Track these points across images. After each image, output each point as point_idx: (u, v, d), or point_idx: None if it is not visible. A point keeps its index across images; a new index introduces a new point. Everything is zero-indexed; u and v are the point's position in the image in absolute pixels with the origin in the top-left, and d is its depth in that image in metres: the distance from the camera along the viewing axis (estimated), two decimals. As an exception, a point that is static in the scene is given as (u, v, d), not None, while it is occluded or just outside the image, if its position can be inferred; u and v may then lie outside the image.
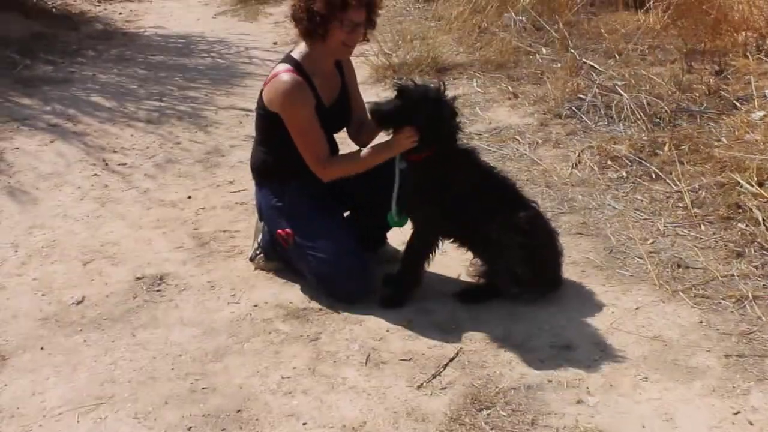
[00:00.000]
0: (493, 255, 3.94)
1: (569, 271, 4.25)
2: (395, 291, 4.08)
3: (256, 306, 4.03)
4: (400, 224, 4.09)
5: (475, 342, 3.70)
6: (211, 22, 11.35)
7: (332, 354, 3.64)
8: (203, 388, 3.41)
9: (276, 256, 4.29)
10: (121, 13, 11.83)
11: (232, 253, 4.57)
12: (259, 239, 4.36)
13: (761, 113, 6.24)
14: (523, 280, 3.91)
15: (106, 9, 12.03)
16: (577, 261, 4.38)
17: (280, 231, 4.12)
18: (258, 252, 4.36)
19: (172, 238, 4.79)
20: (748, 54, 7.48)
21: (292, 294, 4.13)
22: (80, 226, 4.97)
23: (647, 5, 8.90)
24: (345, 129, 4.28)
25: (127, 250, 4.64)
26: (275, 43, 9.91)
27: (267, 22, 11.20)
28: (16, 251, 4.64)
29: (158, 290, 4.20)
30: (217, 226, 4.91)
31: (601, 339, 3.70)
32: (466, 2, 9.60)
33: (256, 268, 4.36)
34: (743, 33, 7.88)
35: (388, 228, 4.26)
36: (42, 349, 3.72)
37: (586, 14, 9.20)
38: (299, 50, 3.99)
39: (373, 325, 3.85)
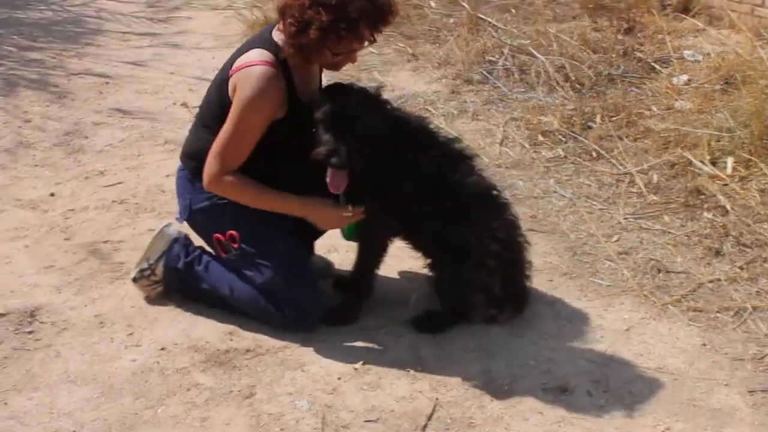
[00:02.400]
0: (462, 269, 3.22)
1: (535, 281, 3.58)
2: (345, 302, 3.39)
3: (163, 350, 3.16)
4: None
5: (451, 389, 2.98)
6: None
7: (276, 418, 2.83)
8: (116, 488, 2.55)
9: (176, 283, 3.41)
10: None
11: (119, 273, 3.64)
12: (155, 256, 3.39)
13: (684, 77, 5.77)
14: (501, 300, 3.24)
15: None
16: (540, 267, 3.70)
17: (219, 234, 3.25)
18: (147, 272, 3.40)
19: (37, 253, 3.79)
20: (653, 10, 7.02)
21: (207, 329, 3.28)
22: None
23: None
24: None
25: (-21, 274, 3.63)
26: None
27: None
28: None
29: (30, 332, 3.24)
30: (95, 234, 3.94)
31: (599, 375, 3.06)
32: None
33: (146, 295, 3.45)
34: (644, -14, 7.42)
35: (319, 233, 3.52)
36: None
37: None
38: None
39: (318, 371, 3.06)
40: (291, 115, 3.10)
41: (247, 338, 3.23)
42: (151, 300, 3.44)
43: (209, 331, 3.27)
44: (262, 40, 3.15)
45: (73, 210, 4.16)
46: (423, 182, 3.18)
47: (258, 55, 3.07)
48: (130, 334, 3.25)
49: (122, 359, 3.11)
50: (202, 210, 3.30)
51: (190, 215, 3.36)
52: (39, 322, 3.31)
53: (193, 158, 3.32)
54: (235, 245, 3.23)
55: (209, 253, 3.39)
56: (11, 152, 4.83)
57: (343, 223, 3.31)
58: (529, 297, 3.43)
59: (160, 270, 3.38)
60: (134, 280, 3.44)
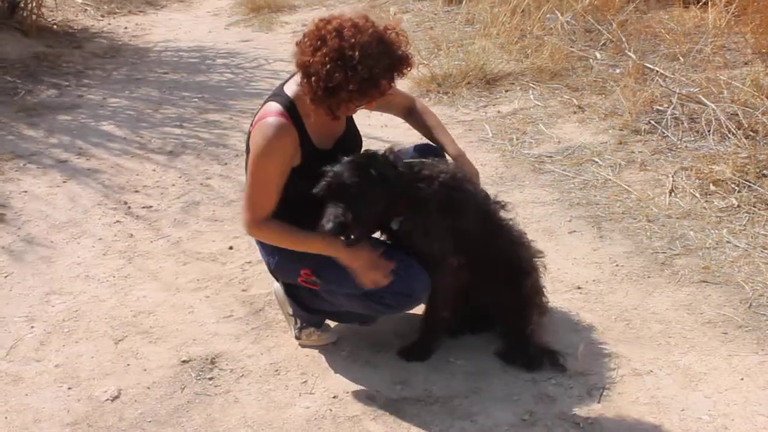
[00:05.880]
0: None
1: (707, 334, 3.50)
2: (419, 340, 3.49)
3: (335, 398, 3.26)
4: None
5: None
6: (224, 33, 10.53)
7: (445, 467, 2.86)
8: None
9: (320, 318, 3.57)
10: (126, 28, 10.94)
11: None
12: (290, 310, 3.58)
13: None
14: None
15: (110, 23, 11.11)
16: (712, 320, 3.61)
17: (300, 278, 3.35)
18: (302, 325, 3.58)
19: (217, 303, 4.00)
20: (832, 52, 6.74)
21: (378, 378, 3.36)
22: (106, 290, 4.18)
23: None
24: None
25: (165, 322, 3.86)
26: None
27: (283, 32, 10.29)
28: (33, 327, 3.86)
29: (210, 378, 3.43)
30: (271, 285, 4.09)
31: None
32: (500, 3, 8.77)
33: (313, 345, 3.59)
34: (822, 28, 7.13)
35: None
36: (75, 469, 2.95)
37: (636, 12, 8.41)
38: (296, 81, 3.17)
39: (486, 421, 3.08)
40: (308, 163, 3.17)
41: (417, 388, 3.29)
42: (335, 349, 3.56)
43: (380, 380, 3.34)
44: (274, 94, 3.26)
45: (250, 262, 4.36)
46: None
47: (268, 108, 3.18)
48: (304, 382, 3.37)
49: (296, 406, 3.22)
50: (276, 268, 3.46)
51: (273, 275, 3.55)
52: (219, 369, 3.48)
53: None
54: (315, 278, 3.31)
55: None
56: (192, 209, 5.12)
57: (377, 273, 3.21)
58: None
59: (303, 318, 3.55)
60: (297, 338, 3.61)
